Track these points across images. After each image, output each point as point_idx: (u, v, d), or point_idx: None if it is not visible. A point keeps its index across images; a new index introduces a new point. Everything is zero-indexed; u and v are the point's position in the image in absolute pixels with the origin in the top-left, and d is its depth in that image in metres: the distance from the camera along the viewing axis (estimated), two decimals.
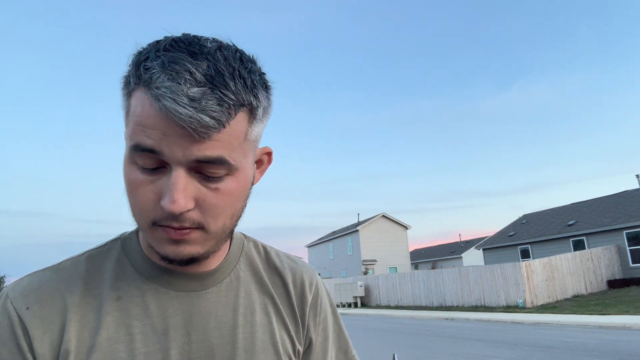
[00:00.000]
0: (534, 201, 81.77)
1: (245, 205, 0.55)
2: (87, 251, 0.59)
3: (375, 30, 57.37)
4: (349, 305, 24.30)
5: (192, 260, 0.51)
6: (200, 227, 0.49)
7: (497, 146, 60.69)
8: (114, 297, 0.54)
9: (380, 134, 61.68)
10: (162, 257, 0.51)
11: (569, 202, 26.61)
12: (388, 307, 22.34)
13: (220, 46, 0.47)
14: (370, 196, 65.10)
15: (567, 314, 13.32)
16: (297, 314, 0.64)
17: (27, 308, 0.50)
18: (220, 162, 0.46)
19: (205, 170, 0.47)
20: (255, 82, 0.47)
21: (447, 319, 15.04)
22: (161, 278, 0.56)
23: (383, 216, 37.64)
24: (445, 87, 58.82)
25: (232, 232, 0.55)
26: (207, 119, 0.43)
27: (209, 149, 0.45)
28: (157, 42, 0.47)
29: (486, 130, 59.48)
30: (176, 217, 0.47)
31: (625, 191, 23.34)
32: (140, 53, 0.46)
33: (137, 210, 0.49)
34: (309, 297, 0.66)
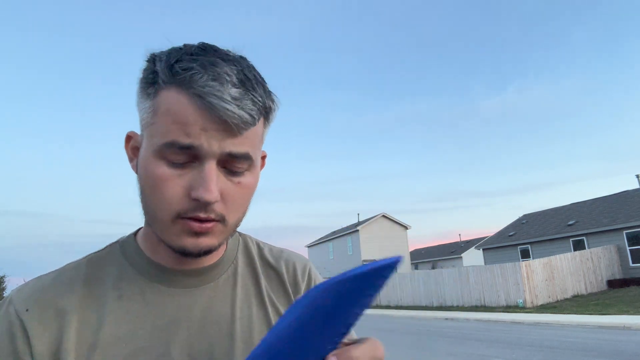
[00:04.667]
0: (534, 201, 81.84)
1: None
2: (88, 255, 0.60)
3: (375, 31, 57.37)
4: None
5: (207, 252, 0.54)
6: (221, 219, 0.52)
7: (497, 146, 60.71)
8: (115, 296, 0.55)
9: (380, 134, 61.68)
10: (177, 250, 0.53)
11: (569, 202, 26.60)
12: (388, 307, 22.34)
13: (240, 56, 0.53)
14: (370, 196, 65.13)
15: (567, 314, 13.32)
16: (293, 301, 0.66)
17: (27, 310, 0.52)
18: (246, 157, 0.51)
19: (231, 165, 0.51)
20: (269, 89, 0.54)
21: (447, 319, 15.04)
22: (161, 276, 0.58)
23: (383, 216, 37.62)
24: (445, 87, 58.85)
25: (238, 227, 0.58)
26: (246, 116, 0.48)
27: (239, 145, 0.50)
28: (183, 47, 0.51)
29: (486, 131, 59.48)
30: (205, 207, 0.50)
31: (625, 191, 23.32)
32: (168, 56, 0.50)
33: (161, 204, 0.50)
34: (302, 285, 0.68)
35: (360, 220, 40.47)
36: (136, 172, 0.55)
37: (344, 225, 43.67)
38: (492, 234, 30.17)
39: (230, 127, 0.48)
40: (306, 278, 0.69)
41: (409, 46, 57.41)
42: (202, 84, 0.47)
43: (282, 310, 0.64)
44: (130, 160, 0.57)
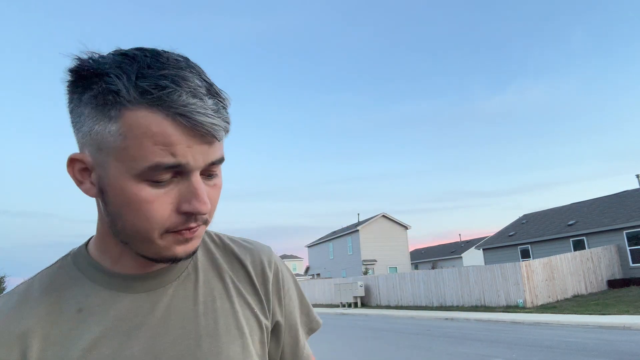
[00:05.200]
0: (534, 201, 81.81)
1: None
2: (38, 273, 0.59)
3: (376, 32, 57.34)
4: (349, 305, 24.28)
5: (194, 253, 0.56)
6: (205, 222, 0.54)
7: (497, 146, 60.68)
8: (74, 310, 0.54)
9: (380, 134, 61.65)
10: (167, 259, 0.54)
11: (569, 202, 26.63)
12: (388, 307, 22.34)
13: (184, 57, 0.51)
14: (370, 196, 65.11)
15: (567, 314, 13.31)
16: (260, 292, 0.67)
17: None
18: (222, 160, 0.53)
19: (209, 170, 0.52)
20: None
21: (447, 319, 15.04)
22: (120, 284, 0.57)
23: (383, 216, 37.61)
24: (444, 87, 58.83)
25: None
26: (225, 124, 0.50)
27: (218, 151, 0.52)
28: (129, 57, 0.48)
29: (486, 131, 59.45)
30: (196, 217, 0.52)
31: (625, 191, 23.32)
32: (123, 71, 0.46)
33: (148, 224, 0.50)
34: (270, 275, 0.69)
35: (360, 220, 40.47)
36: (92, 196, 0.54)
37: (344, 225, 43.72)
38: (492, 234, 30.17)
39: (213, 139, 0.50)
40: (273, 267, 0.70)
41: (409, 47, 57.41)
42: (183, 102, 0.46)
43: (250, 300, 0.65)
44: (80, 183, 0.53)
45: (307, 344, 0.75)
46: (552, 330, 10.78)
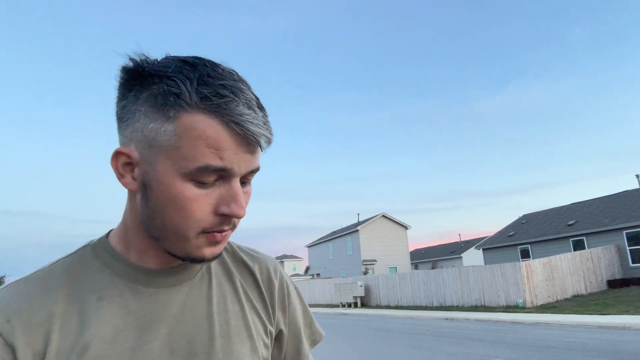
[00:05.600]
0: (534, 201, 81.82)
1: None
2: (59, 260, 0.60)
3: (375, 32, 57.33)
4: (349, 305, 24.27)
5: (219, 256, 0.58)
6: (234, 226, 0.57)
7: (497, 146, 60.69)
8: (95, 299, 0.56)
9: (380, 135, 61.64)
10: (195, 259, 0.56)
11: (569, 202, 26.63)
12: (388, 307, 22.33)
13: (235, 71, 0.55)
14: (370, 196, 65.11)
15: (567, 314, 13.31)
16: (266, 299, 0.70)
17: (8, 321, 0.51)
18: (258, 170, 0.57)
19: (245, 178, 0.56)
20: None
21: (447, 319, 15.04)
22: (139, 277, 0.59)
23: (383, 216, 37.62)
24: (444, 88, 58.84)
25: None
26: (270, 136, 0.54)
27: (257, 161, 0.55)
28: (188, 64, 0.51)
29: (486, 131, 59.45)
30: (230, 221, 0.55)
31: (625, 191, 23.32)
32: (186, 77, 0.50)
33: (188, 222, 0.53)
34: (276, 283, 0.72)
35: (360, 220, 40.48)
36: (132, 190, 0.55)
37: (344, 225, 43.73)
38: (492, 234, 30.17)
39: (257, 149, 0.54)
40: (278, 276, 0.73)
41: (409, 46, 57.41)
42: (239, 112, 0.50)
43: (257, 305, 0.68)
44: (121, 176, 0.55)
45: (310, 356, 0.76)
46: (552, 330, 10.78)
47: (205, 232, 0.54)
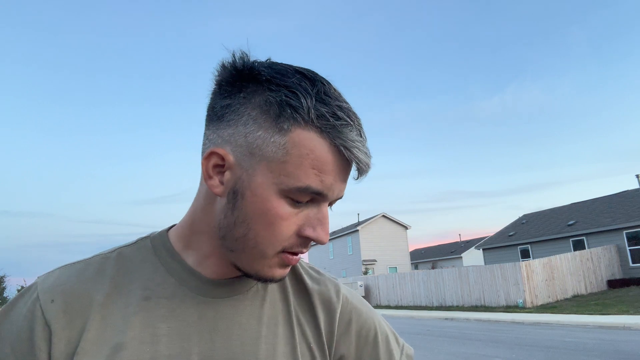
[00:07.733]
0: (534, 201, 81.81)
1: None
2: (117, 248, 0.59)
3: (375, 32, 57.38)
4: None
5: (282, 279, 0.56)
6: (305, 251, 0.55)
7: (497, 146, 60.71)
8: (142, 296, 0.53)
9: (380, 134, 61.67)
10: (264, 278, 0.54)
11: (569, 202, 26.63)
12: (388, 307, 22.34)
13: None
14: (370, 196, 65.09)
15: (567, 314, 13.32)
16: (321, 327, 0.62)
17: (52, 301, 0.51)
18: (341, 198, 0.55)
19: (331, 203, 0.54)
20: None
21: (447, 319, 15.05)
22: (191, 282, 0.56)
23: (383, 216, 37.61)
24: (443, 88, 58.86)
25: None
26: (371, 165, 0.52)
27: (345, 189, 0.54)
28: (306, 78, 0.49)
29: (485, 131, 59.49)
30: (309, 244, 0.53)
31: (625, 191, 23.32)
32: (303, 91, 0.48)
33: (273, 239, 0.50)
34: (338, 307, 0.64)
35: (360, 220, 40.46)
36: (217, 193, 0.51)
37: (344, 225, 43.70)
38: (492, 234, 30.17)
39: (356, 177, 0.53)
40: (341, 298, 0.65)
41: (408, 47, 57.44)
42: (352, 137, 0.48)
43: (308, 331, 0.61)
44: (209, 177, 0.51)
45: None
46: (552, 330, 10.78)
47: (284, 251, 0.52)
